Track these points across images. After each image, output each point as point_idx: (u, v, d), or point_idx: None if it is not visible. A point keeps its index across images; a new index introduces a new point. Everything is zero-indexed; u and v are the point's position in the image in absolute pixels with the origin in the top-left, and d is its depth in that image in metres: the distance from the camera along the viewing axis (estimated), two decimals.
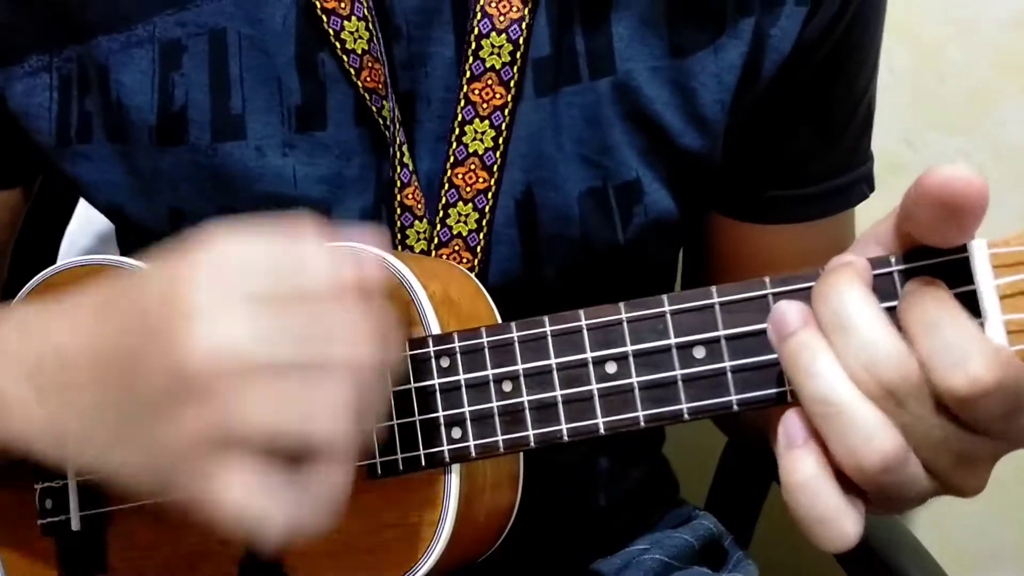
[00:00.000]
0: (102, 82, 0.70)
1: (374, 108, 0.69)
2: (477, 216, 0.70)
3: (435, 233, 0.71)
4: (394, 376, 0.58)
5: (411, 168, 0.70)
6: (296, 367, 0.49)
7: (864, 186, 0.79)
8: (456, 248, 0.71)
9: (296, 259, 0.51)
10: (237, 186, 0.70)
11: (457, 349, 0.59)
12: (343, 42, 0.68)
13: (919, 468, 0.49)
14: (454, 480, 0.61)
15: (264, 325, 0.49)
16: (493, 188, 0.70)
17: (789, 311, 0.50)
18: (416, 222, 0.70)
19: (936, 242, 0.50)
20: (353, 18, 0.67)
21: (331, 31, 0.68)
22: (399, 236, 0.71)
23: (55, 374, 0.54)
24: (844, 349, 0.48)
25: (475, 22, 0.67)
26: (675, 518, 0.91)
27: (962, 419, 0.48)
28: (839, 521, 0.49)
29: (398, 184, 0.70)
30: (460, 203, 0.70)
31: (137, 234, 0.74)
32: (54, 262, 0.73)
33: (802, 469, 0.50)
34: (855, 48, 0.73)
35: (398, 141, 0.69)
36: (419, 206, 0.70)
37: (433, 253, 0.71)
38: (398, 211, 0.70)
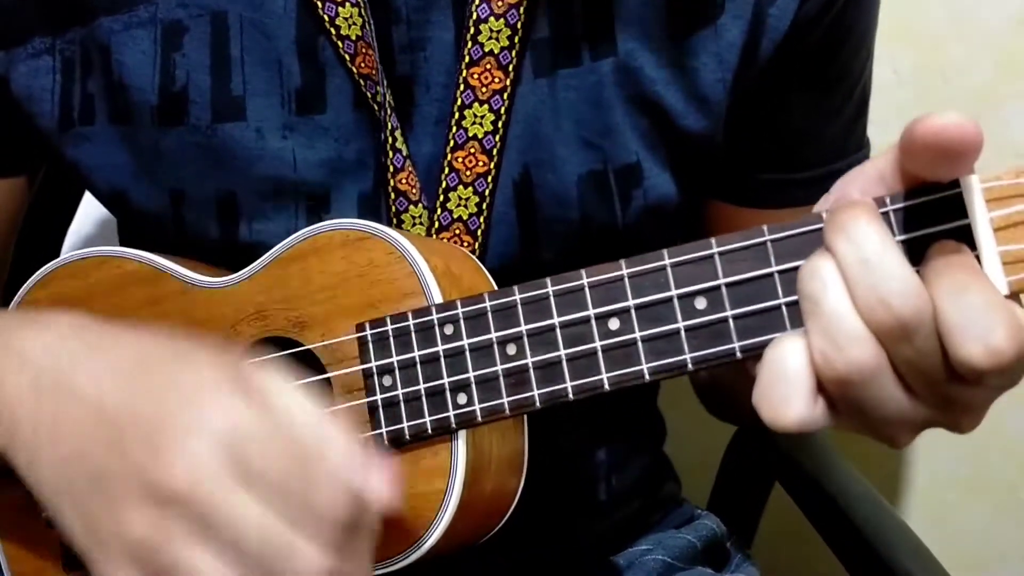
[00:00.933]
0: (104, 63, 0.70)
1: (369, 94, 0.70)
2: (477, 200, 0.71)
3: (436, 217, 0.71)
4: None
5: (404, 153, 0.70)
6: (251, 544, 0.49)
7: None
8: (457, 232, 0.71)
9: (315, 443, 0.51)
10: (237, 167, 0.71)
11: (460, 315, 0.60)
12: (338, 28, 0.69)
13: (897, 392, 0.50)
14: (461, 447, 0.61)
15: (243, 490, 0.49)
16: (493, 172, 0.71)
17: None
18: (411, 207, 0.71)
19: (934, 179, 0.50)
20: (347, 4, 0.68)
21: (326, 17, 0.68)
22: (395, 221, 0.71)
23: (55, 406, 0.55)
24: (861, 278, 0.48)
25: (473, 7, 0.68)
26: (677, 518, 0.91)
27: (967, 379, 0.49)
28: (791, 392, 0.50)
29: (391, 169, 0.70)
30: (460, 187, 0.71)
31: (138, 222, 0.75)
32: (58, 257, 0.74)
33: (788, 340, 0.50)
34: (850, 29, 0.74)
35: (390, 127, 0.69)
36: (414, 191, 0.71)
37: (434, 237, 0.71)
38: (392, 196, 0.71)
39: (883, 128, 0.81)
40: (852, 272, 0.48)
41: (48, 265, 0.72)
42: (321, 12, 0.69)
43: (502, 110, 0.70)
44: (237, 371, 0.52)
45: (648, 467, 0.90)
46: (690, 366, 0.55)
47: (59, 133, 0.73)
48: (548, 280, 0.58)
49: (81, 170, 0.74)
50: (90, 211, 1.01)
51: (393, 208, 0.71)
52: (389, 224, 0.72)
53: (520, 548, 0.75)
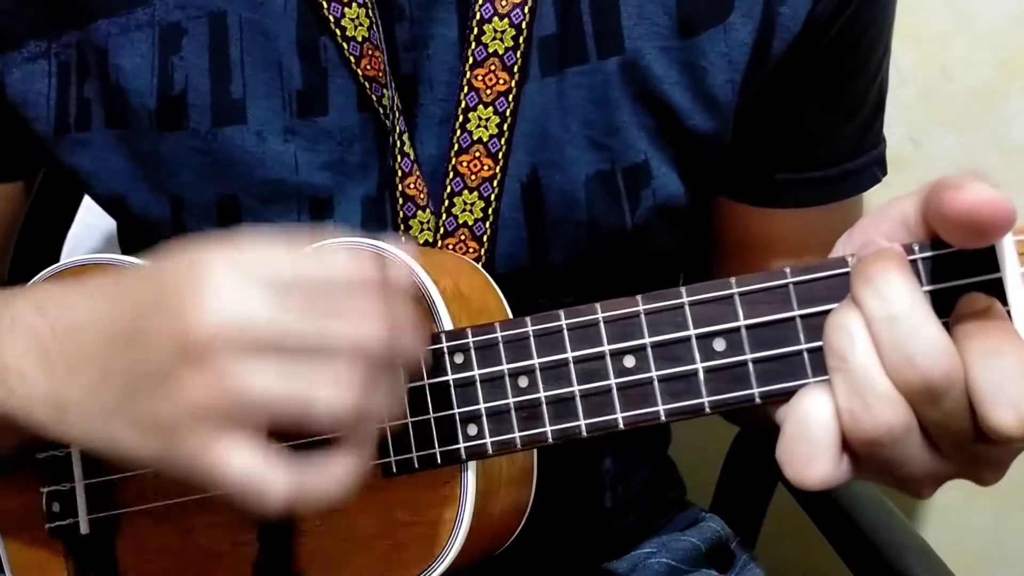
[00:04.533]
0: (101, 67, 0.69)
1: (374, 96, 0.68)
2: (483, 204, 0.70)
3: (441, 223, 0.70)
4: (410, 369, 0.58)
5: (412, 157, 0.69)
6: (301, 344, 0.50)
7: (876, 169, 0.78)
8: (462, 237, 0.70)
9: (314, 251, 0.53)
10: (238, 172, 0.70)
11: (471, 345, 0.59)
12: (343, 29, 0.67)
13: (924, 451, 0.49)
14: (471, 477, 0.60)
15: (272, 301, 0.50)
16: (499, 175, 0.69)
17: None
18: (419, 212, 0.70)
19: (963, 247, 0.49)
20: (353, 4, 0.67)
21: (332, 17, 0.67)
22: (402, 227, 0.70)
23: (64, 344, 0.56)
24: (889, 337, 0.47)
25: (477, 7, 0.67)
26: (682, 521, 0.91)
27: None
28: (817, 451, 0.49)
29: (399, 174, 0.69)
30: (466, 191, 0.69)
31: (138, 228, 0.74)
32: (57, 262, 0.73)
33: (814, 395, 0.50)
34: (867, 27, 0.72)
35: (398, 130, 0.68)
36: (421, 196, 0.69)
37: (439, 243, 0.70)
38: (400, 201, 0.69)
39: (886, 127, 0.80)
40: (879, 328, 0.47)
41: (45, 271, 0.71)
42: (326, 12, 0.67)
43: (507, 112, 0.68)
44: (212, 247, 0.53)
45: (653, 473, 0.90)
46: (707, 409, 0.54)
47: (56, 138, 0.71)
48: (562, 312, 0.57)
49: (80, 175, 0.72)
50: (89, 216, 1.00)
51: (401, 213, 0.70)
52: (396, 229, 0.70)
53: (525, 556, 0.74)
